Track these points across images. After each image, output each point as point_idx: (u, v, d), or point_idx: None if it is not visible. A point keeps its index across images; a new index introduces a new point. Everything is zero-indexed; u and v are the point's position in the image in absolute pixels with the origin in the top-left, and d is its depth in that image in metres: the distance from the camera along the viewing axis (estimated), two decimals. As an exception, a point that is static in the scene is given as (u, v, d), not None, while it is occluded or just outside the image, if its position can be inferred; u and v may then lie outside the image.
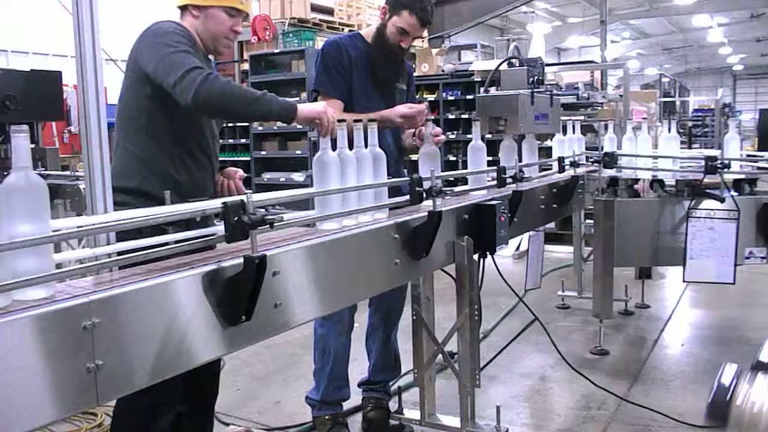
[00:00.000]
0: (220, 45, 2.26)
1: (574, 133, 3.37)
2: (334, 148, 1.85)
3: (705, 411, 0.30)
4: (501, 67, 3.21)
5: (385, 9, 2.80)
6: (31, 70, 4.68)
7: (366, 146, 1.95)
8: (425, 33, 2.85)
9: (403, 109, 2.70)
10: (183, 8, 2.23)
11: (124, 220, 1.33)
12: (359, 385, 3.04)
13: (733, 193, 2.79)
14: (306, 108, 2.09)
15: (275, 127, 8.93)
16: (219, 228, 1.46)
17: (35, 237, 1.10)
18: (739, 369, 0.30)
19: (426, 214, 1.98)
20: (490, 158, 2.61)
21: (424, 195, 2.02)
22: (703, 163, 2.84)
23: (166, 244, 1.41)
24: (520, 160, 2.82)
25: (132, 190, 2.05)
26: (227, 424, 3.02)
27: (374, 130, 1.99)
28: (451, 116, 8.12)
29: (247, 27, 10.45)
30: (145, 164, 2.09)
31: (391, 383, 3.06)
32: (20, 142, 1.13)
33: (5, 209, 1.10)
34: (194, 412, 2.34)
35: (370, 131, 1.97)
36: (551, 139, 3.49)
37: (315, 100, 2.85)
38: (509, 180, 2.57)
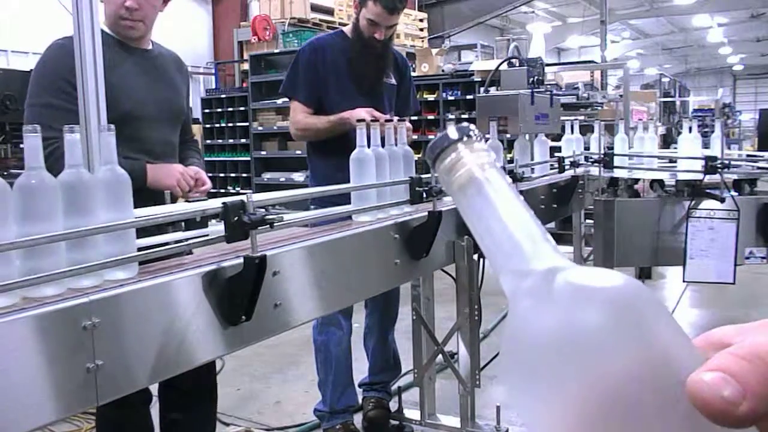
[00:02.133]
0: (119, 27, 2.10)
1: (593, 132, 3.35)
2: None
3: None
4: (501, 67, 3.21)
5: (356, 2, 2.78)
6: (31, 70, 4.68)
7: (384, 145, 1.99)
8: (396, 20, 2.75)
9: (362, 113, 2.56)
10: None
11: (123, 220, 1.33)
12: (360, 386, 3.04)
13: (733, 193, 2.79)
14: (162, 174, 2.02)
15: (275, 127, 8.93)
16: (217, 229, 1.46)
17: (118, 223, 1.25)
18: (469, 132, 0.31)
19: (426, 214, 1.98)
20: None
21: (424, 195, 2.02)
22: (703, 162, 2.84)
23: (166, 244, 1.41)
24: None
25: None
26: (227, 424, 3.02)
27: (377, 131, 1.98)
28: (451, 116, 8.12)
29: (247, 27, 10.48)
30: None
31: (391, 383, 3.06)
32: (108, 139, 1.32)
33: (94, 199, 1.23)
34: (194, 417, 2.32)
35: (383, 132, 2.00)
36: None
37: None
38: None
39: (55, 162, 1.34)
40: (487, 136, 2.50)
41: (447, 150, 0.40)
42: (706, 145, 3.22)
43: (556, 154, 3.19)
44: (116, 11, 2.06)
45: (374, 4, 2.65)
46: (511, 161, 2.55)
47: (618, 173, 3.05)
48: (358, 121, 2.01)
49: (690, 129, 3.14)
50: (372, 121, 2.35)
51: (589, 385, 0.31)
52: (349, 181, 1.94)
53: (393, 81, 2.90)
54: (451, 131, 0.40)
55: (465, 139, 0.40)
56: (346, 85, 2.76)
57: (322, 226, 1.90)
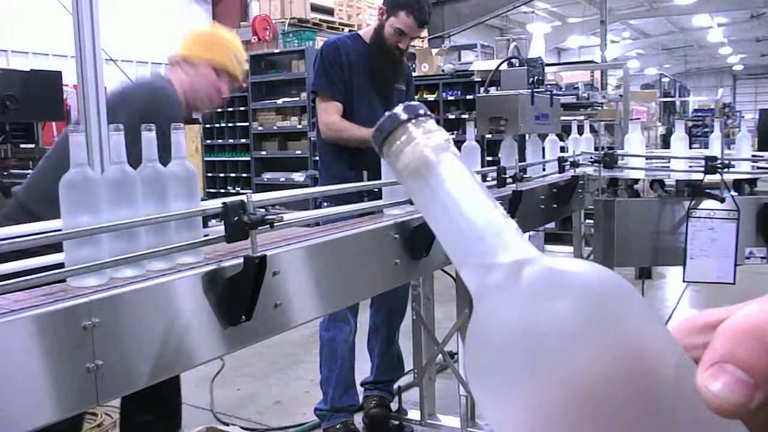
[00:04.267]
0: (201, 105, 2.26)
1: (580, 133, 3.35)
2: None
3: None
4: (501, 67, 3.21)
5: (382, 10, 2.80)
6: (31, 70, 4.69)
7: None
8: (423, 33, 2.86)
9: None
10: (173, 61, 2.22)
11: (123, 220, 1.33)
12: (362, 384, 3.04)
13: (733, 193, 2.79)
14: None
15: (275, 127, 8.93)
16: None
17: (186, 211, 1.36)
18: (419, 111, 0.29)
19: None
20: (490, 158, 2.61)
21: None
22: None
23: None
24: (524, 160, 2.82)
25: None
26: (227, 424, 3.02)
27: None
28: (451, 116, 8.12)
29: (247, 27, 10.47)
30: None
31: (394, 382, 3.06)
32: (179, 137, 1.41)
33: (168, 191, 1.35)
34: (160, 423, 2.32)
35: None
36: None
37: (314, 101, 2.86)
38: (509, 180, 2.57)
39: None
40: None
41: (395, 132, 0.36)
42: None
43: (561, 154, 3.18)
44: (209, 93, 2.23)
45: (406, 16, 2.70)
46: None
47: (634, 174, 3.04)
48: None
49: (682, 129, 3.14)
50: None
51: (559, 385, 0.29)
52: (361, 180, 2.00)
53: (403, 87, 2.97)
54: (399, 110, 0.36)
55: (415, 119, 0.36)
56: (367, 87, 2.81)
57: (330, 224, 1.92)
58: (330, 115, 2.80)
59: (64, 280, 1.18)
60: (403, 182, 0.36)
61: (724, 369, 0.28)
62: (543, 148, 3.08)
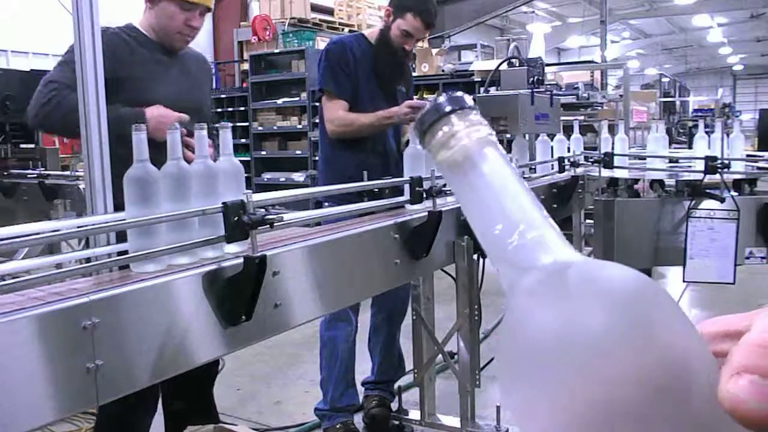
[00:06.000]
0: (173, 40, 2.28)
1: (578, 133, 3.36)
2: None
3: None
4: (501, 67, 3.21)
5: (389, 11, 2.79)
6: (31, 70, 4.68)
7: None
8: (427, 34, 2.88)
9: (400, 109, 2.72)
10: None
11: (123, 220, 1.33)
12: (363, 384, 3.04)
13: (733, 193, 2.79)
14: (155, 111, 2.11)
15: (275, 127, 8.93)
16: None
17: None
18: (464, 102, 0.28)
19: (426, 214, 1.98)
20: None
21: (424, 195, 2.02)
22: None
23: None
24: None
25: None
26: (227, 424, 3.02)
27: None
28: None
29: (247, 27, 10.47)
30: None
31: (395, 382, 3.05)
32: (226, 135, 1.50)
33: (218, 185, 1.44)
34: (193, 405, 2.36)
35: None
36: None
37: (319, 99, 2.86)
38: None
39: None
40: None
41: (438, 123, 0.35)
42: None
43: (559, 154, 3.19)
44: (177, 26, 2.24)
45: (414, 18, 2.71)
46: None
47: (618, 173, 3.05)
48: (411, 121, 2.08)
49: (657, 129, 3.14)
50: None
51: (596, 388, 0.29)
52: (369, 179, 2.06)
53: (404, 88, 2.98)
54: (443, 100, 0.35)
55: (459, 110, 0.35)
56: (372, 87, 2.81)
57: (331, 224, 1.92)
58: (335, 111, 2.79)
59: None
60: (443, 174, 0.36)
61: (745, 377, 0.29)
62: (552, 148, 3.09)
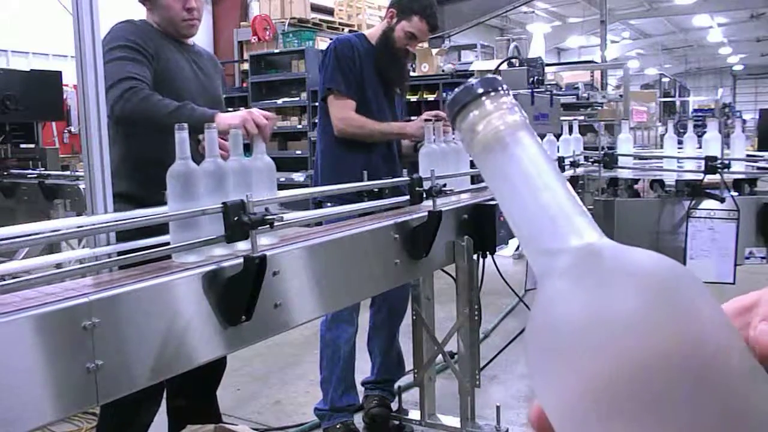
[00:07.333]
0: (180, 28, 2.29)
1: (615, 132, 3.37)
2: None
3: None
4: (501, 67, 3.21)
5: (392, 13, 2.78)
6: (31, 70, 4.68)
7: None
8: (429, 37, 2.91)
9: (417, 125, 2.74)
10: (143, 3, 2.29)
11: (124, 220, 1.33)
12: (362, 384, 3.03)
13: (733, 193, 2.79)
14: (228, 115, 2.12)
15: (275, 127, 8.92)
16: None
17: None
18: (496, 85, 0.28)
19: (426, 214, 1.98)
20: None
21: (424, 195, 2.02)
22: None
23: (167, 243, 1.41)
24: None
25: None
26: (227, 424, 3.02)
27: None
28: (451, 116, 8.13)
29: (247, 27, 10.47)
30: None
31: (395, 382, 3.05)
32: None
33: (252, 181, 1.52)
34: (196, 404, 2.37)
35: None
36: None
37: (324, 98, 2.83)
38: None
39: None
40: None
41: (470, 105, 0.35)
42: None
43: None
44: (178, 14, 2.25)
45: (420, 21, 2.72)
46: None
47: (621, 173, 3.05)
48: (426, 120, 2.12)
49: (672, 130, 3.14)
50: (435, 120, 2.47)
51: (629, 368, 0.29)
52: (372, 178, 2.12)
53: (399, 90, 3.00)
54: (475, 83, 0.35)
55: (492, 93, 0.35)
56: (376, 86, 2.81)
57: (332, 224, 1.92)
58: (346, 111, 2.78)
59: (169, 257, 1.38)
60: (474, 158, 0.35)
61: None
62: (558, 148, 3.09)
